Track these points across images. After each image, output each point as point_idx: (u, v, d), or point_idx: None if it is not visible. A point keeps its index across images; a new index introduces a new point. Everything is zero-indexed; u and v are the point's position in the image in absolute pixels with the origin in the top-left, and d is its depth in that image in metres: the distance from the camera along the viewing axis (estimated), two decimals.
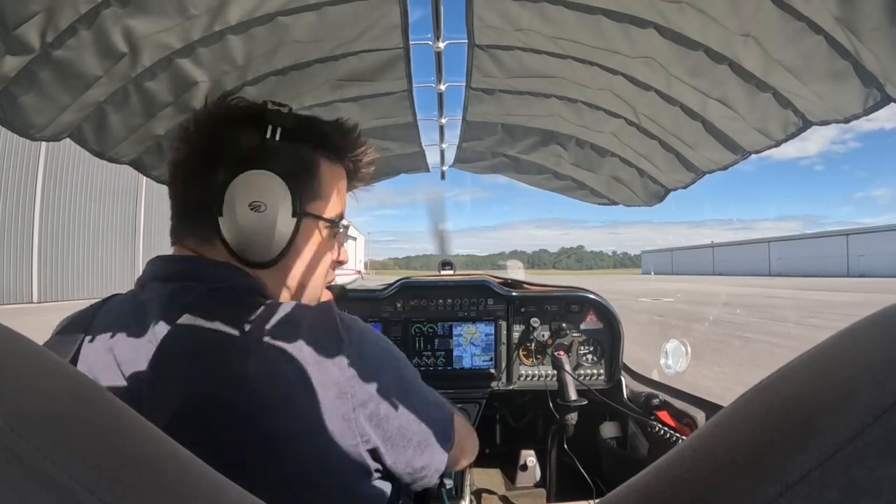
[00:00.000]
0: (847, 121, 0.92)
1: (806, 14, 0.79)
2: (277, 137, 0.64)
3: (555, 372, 1.71)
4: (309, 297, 0.71)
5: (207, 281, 0.61)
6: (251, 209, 0.61)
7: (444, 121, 1.75)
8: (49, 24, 0.80)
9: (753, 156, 1.24)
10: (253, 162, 0.62)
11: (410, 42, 1.22)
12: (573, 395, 1.44)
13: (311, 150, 0.67)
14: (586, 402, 1.44)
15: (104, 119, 1.07)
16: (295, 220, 0.64)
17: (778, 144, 1.13)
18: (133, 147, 1.21)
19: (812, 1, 0.77)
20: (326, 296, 0.77)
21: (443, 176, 2.41)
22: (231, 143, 0.64)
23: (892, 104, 0.81)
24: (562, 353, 1.58)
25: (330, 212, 0.70)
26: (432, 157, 2.17)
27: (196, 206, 0.64)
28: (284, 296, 0.68)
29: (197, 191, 0.64)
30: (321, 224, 0.69)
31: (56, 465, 0.22)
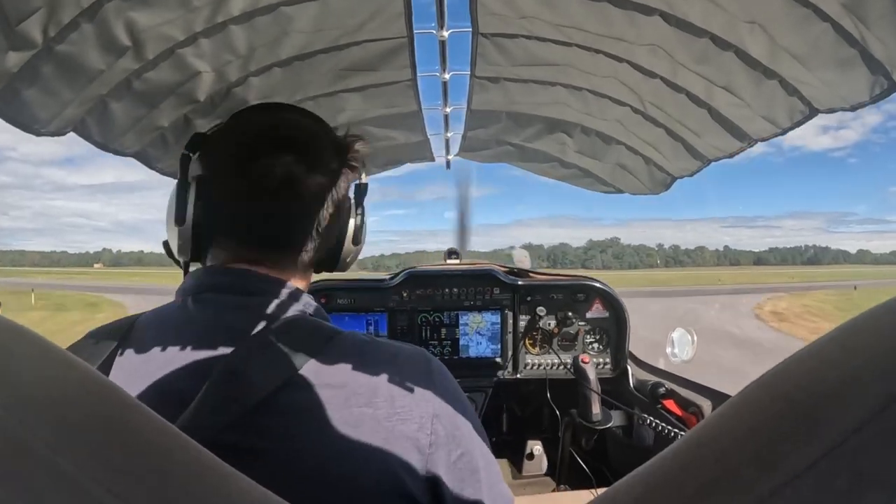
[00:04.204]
0: (853, 108, 0.91)
1: (812, 0, 0.78)
2: None
3: (562, 361, 1.71)
4: None
5: None
6: None
7: (448, 110, 1.74)
8: (51, 19, 0.80)
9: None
10: None
11: (414, 31, 1.21)
12: (598, 414, 1.39)
13: None
14: (611, 423, 1.40)
15: (107, 112, 1.07)
16: None
17: (784, 132, 1.12)
18: (137, 139, 1.21)
19: None
20: None
21: (448, 165, 2.41)
22: None
23: None
24: (587, 360, 1.44)
25: None
26: (437, 147, 2.15)
27: None
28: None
29: None
30: None
31: (64, 457, 0.22)
